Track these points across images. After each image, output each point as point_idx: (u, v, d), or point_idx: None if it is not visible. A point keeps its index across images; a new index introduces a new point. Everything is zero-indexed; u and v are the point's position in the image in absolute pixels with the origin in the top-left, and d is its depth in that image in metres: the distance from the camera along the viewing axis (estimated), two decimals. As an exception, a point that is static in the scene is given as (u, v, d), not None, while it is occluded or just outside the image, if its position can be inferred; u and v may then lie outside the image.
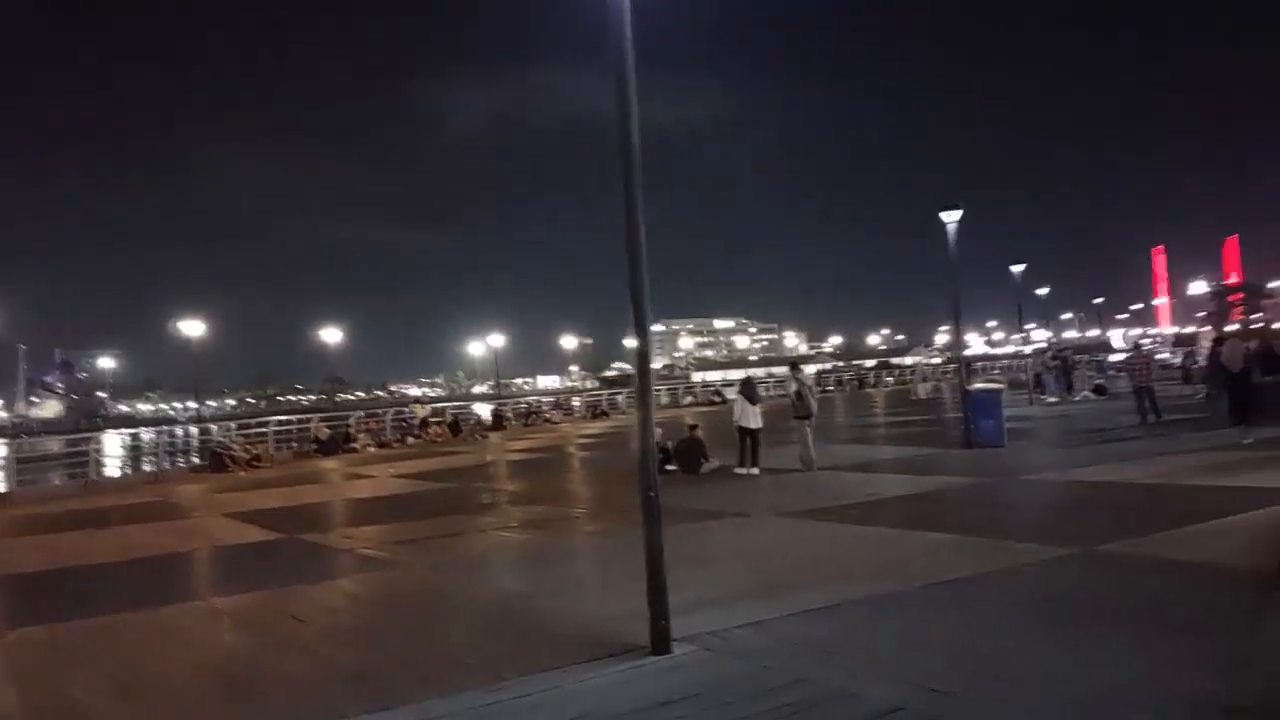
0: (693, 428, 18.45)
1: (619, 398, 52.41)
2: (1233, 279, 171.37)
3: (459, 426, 37.77)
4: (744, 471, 16.34)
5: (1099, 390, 33.08)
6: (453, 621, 7.67)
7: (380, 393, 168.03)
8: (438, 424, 37.47)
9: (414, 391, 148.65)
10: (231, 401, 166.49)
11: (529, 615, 7.51)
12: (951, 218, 18.89)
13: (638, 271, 6.30)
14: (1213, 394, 19.85)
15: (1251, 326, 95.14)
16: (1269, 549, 6.61)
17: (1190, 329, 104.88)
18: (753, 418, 16.73)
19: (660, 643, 6.05)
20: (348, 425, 35.02)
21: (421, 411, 39.49)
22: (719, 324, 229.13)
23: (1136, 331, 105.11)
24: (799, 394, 17.05)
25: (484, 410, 47.48)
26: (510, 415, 45.69)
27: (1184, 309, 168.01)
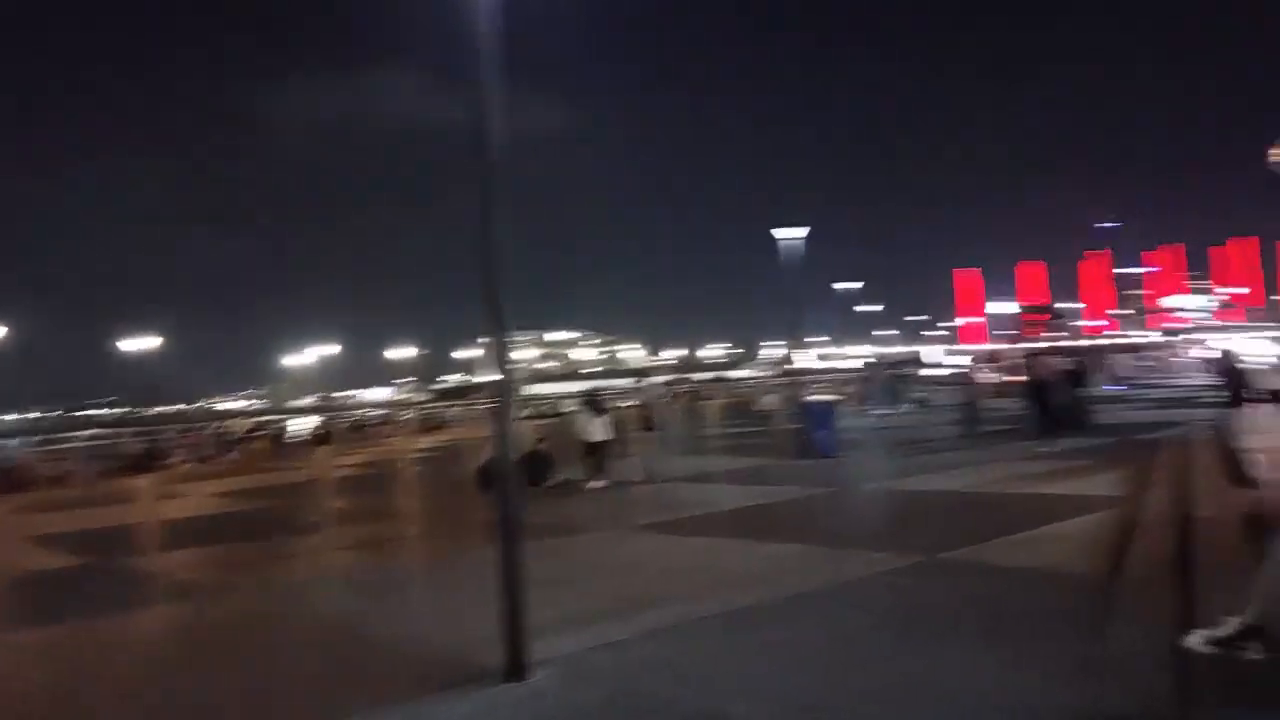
0: (539, 440, 18.10)
1: (456, 410, 51.27)
2: (1031, 300, 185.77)
3: (283, 441, 35.91)
4: (591, 485, 16.12)
5: (921, 403, 34.84)
6: (288, 652, 7.06)
7: (200, 405, 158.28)
8: (261, 438, 35.48)
9: (235, 405, 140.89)
10: (35, 414, 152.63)
11: (373, 643, 6.99)
12: (790, 235, 19.39)
13: (492, 283, 5.95)
14: (1026, 408, 21.12)
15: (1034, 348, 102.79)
16: (1105, 554, 6.90)
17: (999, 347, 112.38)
18: (599, 430, 16.54)
19: (516, 669, 5.69)
20: (161, 440, 32.64)
21: (242, 426, 37.31)
22: (556, 336, 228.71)
23: (950, 348, 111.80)
24: (643, 405, 17.01)
25: (310, 424, 45.39)
26: (339, 429, 43.87)
27: (995, 328, 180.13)
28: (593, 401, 17.51)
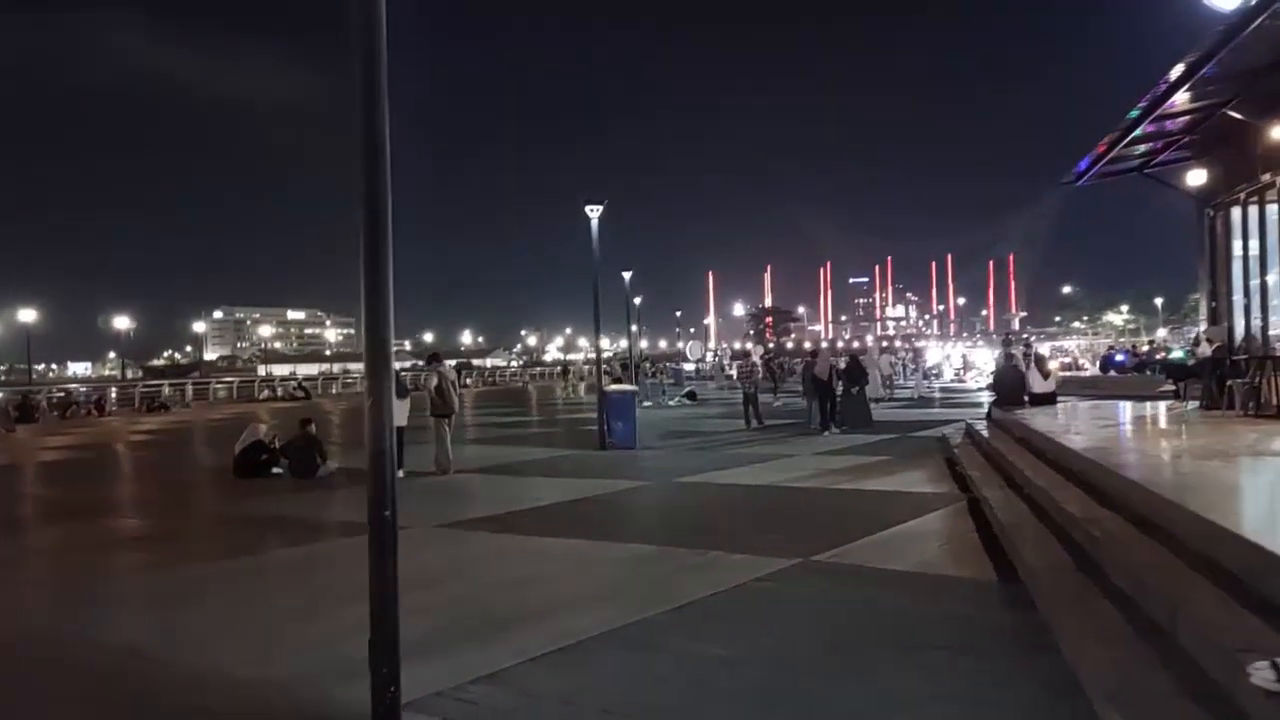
0: (305, 422, 16.11)
1: (187, 389, 46.35)
2: (767, 303, 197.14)
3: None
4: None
5: (691, 397, 35.21)
6: (42, 696, 5.24)
7: None
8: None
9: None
10: None
11: (164, 680, 5.33)
12: (595, 212, 18.50)
13: (380, 249, 4.48)
14: (809, 402, 21.53)
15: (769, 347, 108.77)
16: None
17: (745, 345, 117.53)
18: (399, 413, 14.86)
19: (388, 717, 4.38)
20: None
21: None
22: (292, 314, 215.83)
23: (710, 345, 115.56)
24: (439, 389, 15.49)
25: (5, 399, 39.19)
26: (44, 406, 38.24)
27: (728, 328, 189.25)
28: (394, 380, 15.77)
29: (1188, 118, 12.86)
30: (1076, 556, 6.62)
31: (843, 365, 21.98)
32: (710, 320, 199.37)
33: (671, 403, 33.42)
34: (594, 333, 19.72)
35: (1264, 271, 13.43)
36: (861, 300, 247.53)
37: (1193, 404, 14.55)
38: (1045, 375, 17.71)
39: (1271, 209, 13.07)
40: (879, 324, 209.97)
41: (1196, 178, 13.88)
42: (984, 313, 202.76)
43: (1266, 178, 12.74)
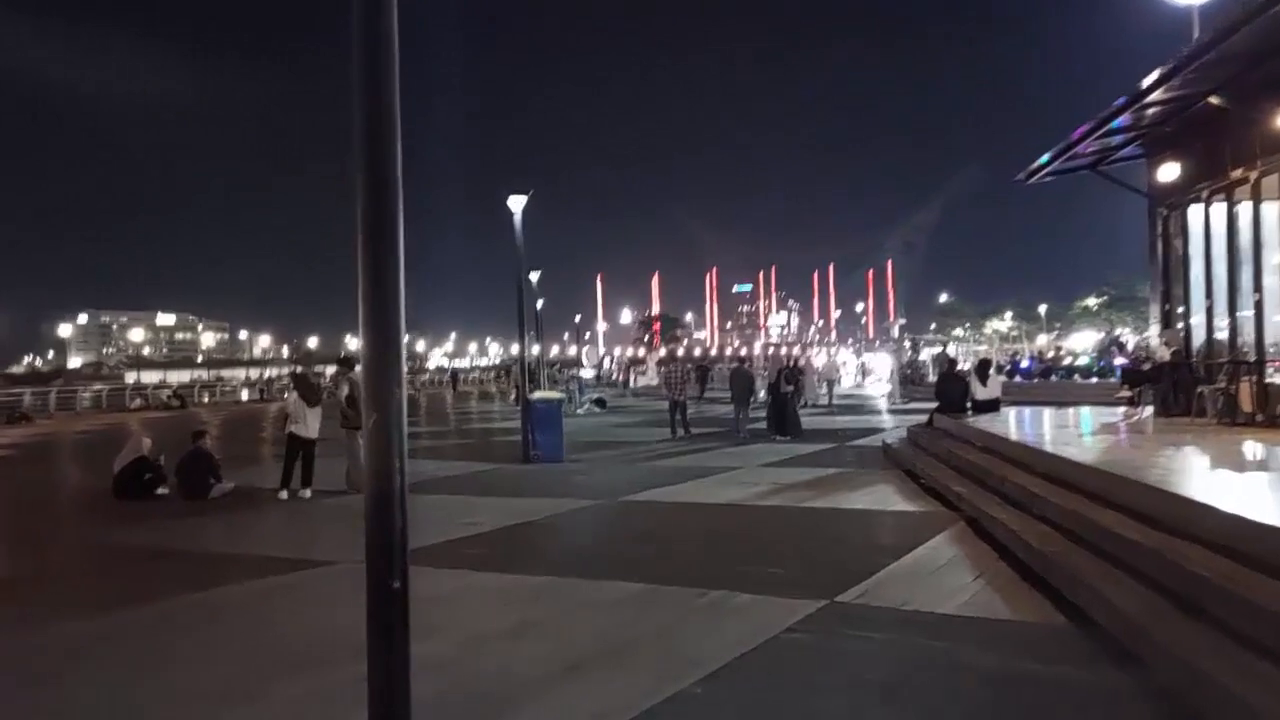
0: (199, 434, 14.19)
1: (50, 398, 42.49)
2: (655, 310, 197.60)
3: None
4: (284, 495, 12.68)
5: (600, 404, 33.93)
6: None
7: None
8: None
9: None
10: None
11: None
12: (518, 203, 17.06)
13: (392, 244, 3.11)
14: (736, 410, 20.58)
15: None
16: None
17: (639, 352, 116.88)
18: (313, 423, 13.14)
19: None
20: None
21: None
22: (163, 318, 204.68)
23: (605, 351, 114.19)
24: (351, 398, 13.77)
25: None
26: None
27: (617, 333, 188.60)
28: (306, 384, 13.98)
29: (1164, 107, 12.32)
30: (1166, 595, 5.67)
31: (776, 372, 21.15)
32: (600, 326, 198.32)
33: (581, 410, 32.07)
34: (519, 336, 18.24)
35: (1232, 272, 13.06)
36: (745, 308, 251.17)
37: (1148, 410, 14.13)
38: (986, 382, 17.17)
39: (1242, 207, 12.71)
40: (763, 331, 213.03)
41: (1167, 173, 13.41)
42: (864, 320, 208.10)
43: (1238, 173, 12.35)
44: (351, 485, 13.34)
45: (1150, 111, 12.63)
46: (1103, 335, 46.65)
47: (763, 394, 23.98)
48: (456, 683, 5.11)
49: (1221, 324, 13.52)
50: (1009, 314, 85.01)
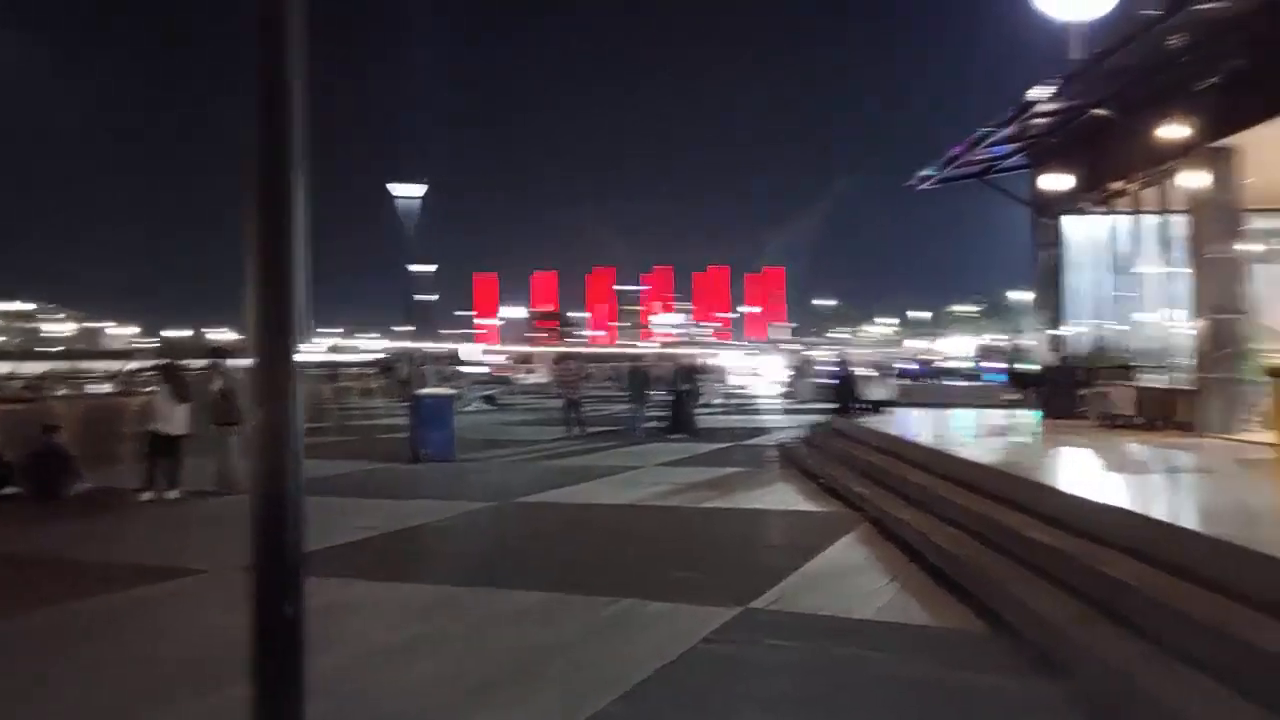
0: (50, 429, 13.07)
1: None
2: (547, 307, 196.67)
3: None
4: (148, 496, 11.75)
5: (490, 400, 33.22)
6: None
7: None
8: None
9: None
10: None
11: None
12: (408, 193, 16.38)
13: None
14: (633, 409, 20.33)
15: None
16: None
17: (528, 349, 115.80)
18: (180, 419, 12.20)
19: None
20: None
21: None
22: (7, 305, 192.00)
23: (488, 347, 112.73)
24: (224, 393, 12.88)
25: None
26: None
27: (506, 329, 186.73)
28: (175, 378, 12.97)
29: (1051, 118, 12.62)
30: (1084, 600, 5.61)
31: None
32: (489, 321, 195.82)
33: (470, 408, 31.29)
34: (408, 330, 17.44)
35: (1112, 281, 13.50)
36: (636, 307, 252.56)
37: (1036, 412, 14.50)
38: (880, 384, 17.41)
39: (1122, 218, 13.14)
40: (654, 331, 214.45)
41: (1051, 183, 13.77)
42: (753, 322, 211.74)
43: (1118, 185, 12.75)
44: (223, 485, 12.49)
45: (1037, 122, 12.94)
46: (980, 341, 48.48)
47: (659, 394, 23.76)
48: (347, 709, 4.62)
49: (1102, 331, 13.97)
50: (888, 318, 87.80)
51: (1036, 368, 14.60)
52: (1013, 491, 7.95)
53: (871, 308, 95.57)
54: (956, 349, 62.85)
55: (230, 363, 13.78)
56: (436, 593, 6.99)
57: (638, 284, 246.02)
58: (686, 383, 20.52)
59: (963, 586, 6.61)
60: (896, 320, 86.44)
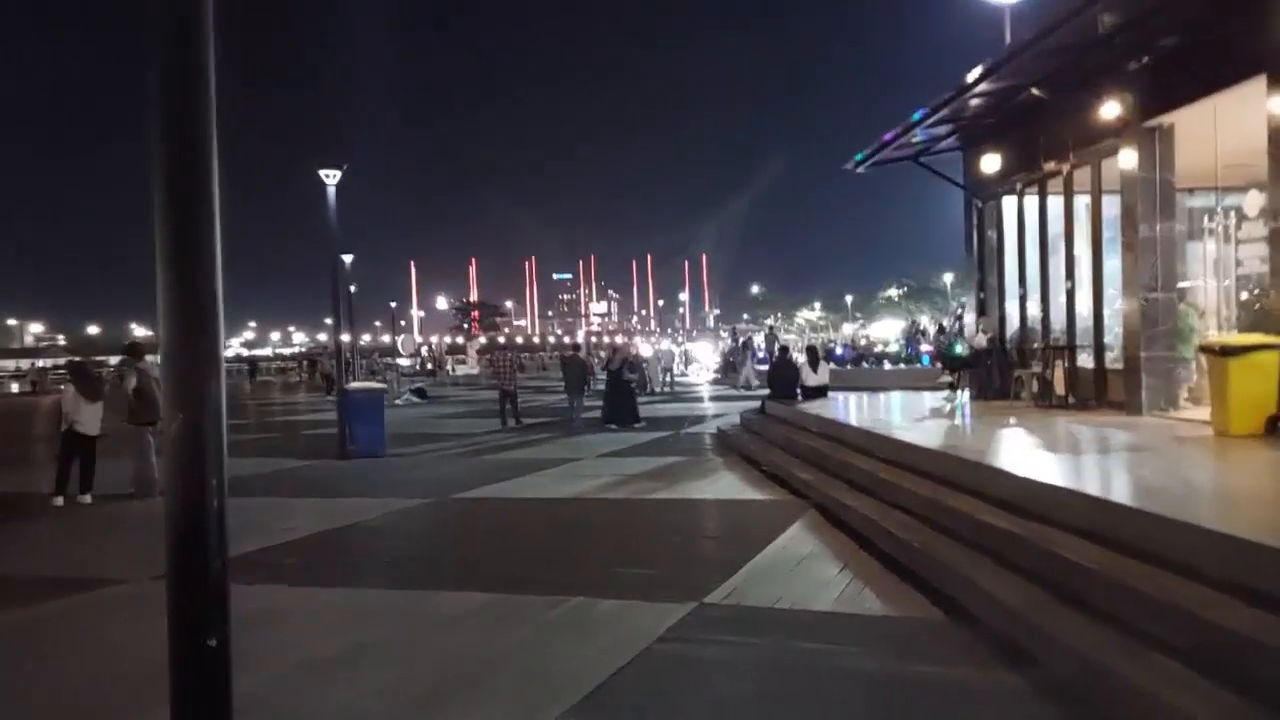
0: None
1: None
2: (473, 297, 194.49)
3: None
4: (60, 502, 11.09)
5: (420, 394, 32.53)
6: None
7: None
8: None
9: None
10: None
11: None
12: (331, 176, 15.78)
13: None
14: (570, 398, 19.99)
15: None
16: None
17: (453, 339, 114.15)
18: (91, 419, 11.53)
19: None
20: None
21: None
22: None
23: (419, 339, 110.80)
24: (139, 390, 12.22)
25: None
26: None
27: (432, 321, 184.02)
28: (85, 375, 12.26)
29: (986, 99, 12.62)
30: (1043, 585, 5.52)
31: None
32: (415, 313, 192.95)
33: (399, 401, 30.59)
34: (334, 321, 16.86)
35: (1045, 262, 13.60)
36: (566, 296, 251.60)
37: (966, 394, 14.58)
38: (816, 368, 17.38)
39: (1054, 199, 13.22)
40: (584, 319, 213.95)
41: (985, 164, 13.79)
42: (681, 310, 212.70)
43: (1052, 165, 12.83)
44: (140, 488, 11.87)
45: (973, 103, 12.93)
46: (906, 324, 49.14)
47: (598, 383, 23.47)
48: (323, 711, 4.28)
49: (1035, 311, 14.09)
50: (818, 304, 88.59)
51: (961, 350, 14.67)
52: (959, 474, 7.90)
53: (801, 294, 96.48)
54: (882, 333, 63.69)
55: (148, 359, 13.08)
56: (372, 598, 6.63)
57: (567, 273, 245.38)
58: (633, 371, 20.28)
59: (916, 574, 6.49)
60: (820, 305, 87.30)
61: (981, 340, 14.74)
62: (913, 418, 12.61)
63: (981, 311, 15.56)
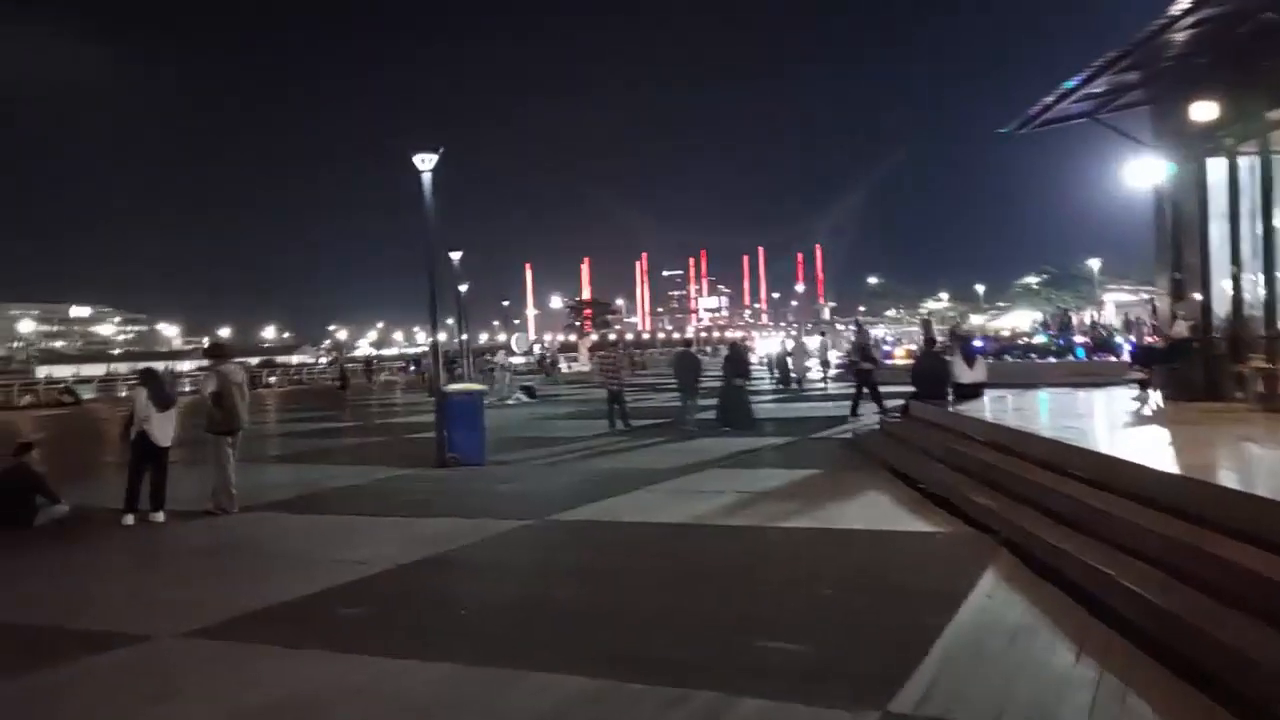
0: (24, 447, 11.33)
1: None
2: (585, 295, 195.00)
3: None
4: (131, 520, 10.01)
5: (529, 392, 31.37)
6: None
7: None
8: None
9: None
10: None
11: None
12: (426, 162, 14.42)
13: None
14: (684, 399, 18.23)
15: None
16: None
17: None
18: (161, 429, 10.43)
19: None
20: None
21: None
22: (75, 311, 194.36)
23: (535, 338, 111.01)
24: (218, 395, 11.04)
25: None
26: None
27: (547, 319, 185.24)
28: (156, 380, 11.17)
29: (1196, 30, 10.23)
30: None
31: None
32: (529, 311, 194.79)
33: (510, 401, 29.46)
34: (430, 318, 15.56)
35: (1269, 233, 11.13)
36: (676, 292, 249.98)
37: (1158, 394, 12.21)
38: (971, 363, 15.13)
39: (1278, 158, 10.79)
40: (694, 315, 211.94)
41: (1187, 116, 11.37)
42: (794, 303, 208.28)
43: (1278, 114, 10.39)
44: (215, 505, 10.70)
45: (1179, 38, 10.58)
46: (1054, 312, 45.49)
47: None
48: None
49: (1250, 295, 11.61)
50: (944, 294, 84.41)
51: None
52: (1222, 511, 5.79)
53: (923, 285, 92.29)
54: (1015, 323, 59.83)
55: (232, 364, 11.92)
56: (440, 678, 4.99)
57: (678, 270, 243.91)
58: (739, 371, 18.41)
59: (1196, 663, 4.48)
60: (948, 295, 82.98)
61: (1182, 329, 12.33)
62: (1111, 424, 10.37)
63: (1178, 296, 13.05)
